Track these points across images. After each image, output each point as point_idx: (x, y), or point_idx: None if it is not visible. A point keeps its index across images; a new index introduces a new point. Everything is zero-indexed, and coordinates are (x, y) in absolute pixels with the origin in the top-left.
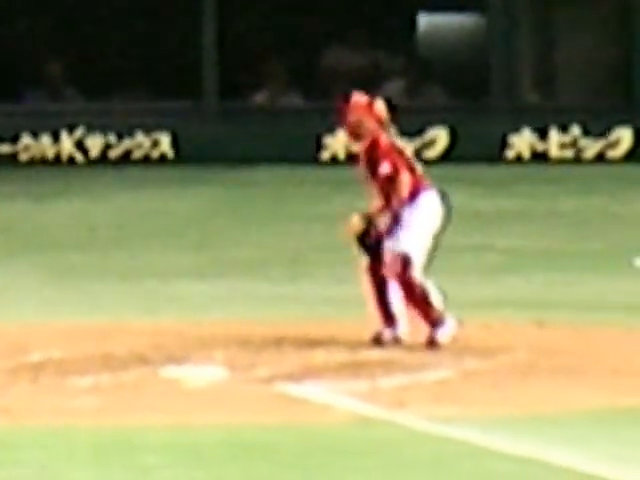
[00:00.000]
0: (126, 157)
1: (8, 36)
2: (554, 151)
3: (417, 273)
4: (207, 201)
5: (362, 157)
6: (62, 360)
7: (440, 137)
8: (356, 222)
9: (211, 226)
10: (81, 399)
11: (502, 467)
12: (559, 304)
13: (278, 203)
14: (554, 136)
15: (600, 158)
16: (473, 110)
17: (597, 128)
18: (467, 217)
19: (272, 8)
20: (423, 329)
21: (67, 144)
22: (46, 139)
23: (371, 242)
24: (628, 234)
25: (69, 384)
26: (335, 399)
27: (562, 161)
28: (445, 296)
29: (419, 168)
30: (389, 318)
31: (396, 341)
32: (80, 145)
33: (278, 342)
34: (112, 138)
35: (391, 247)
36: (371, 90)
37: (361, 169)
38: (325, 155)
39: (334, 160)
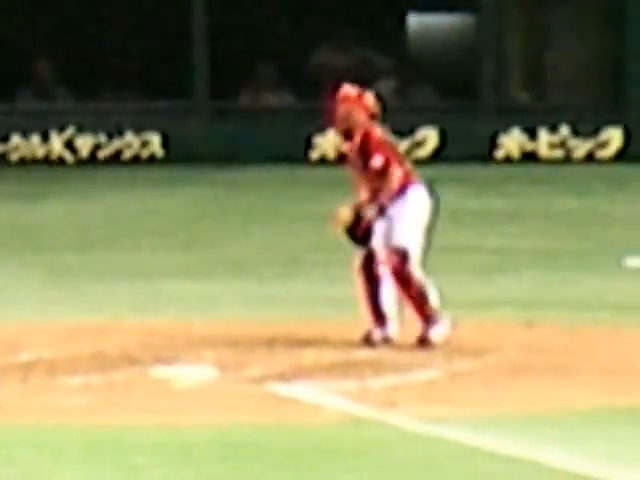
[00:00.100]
0: (116, 157)
1: None
2: (544, 151)
3: (415, 268)
4: (197, 201)
5: (354, 149)
6: (52, 359)
7: (430, 137)
8: (344, 214)
9: (201, 226)
10: (71, 398)
11: (493, 467)
12: (549, 304)
13: (268, 203)
14: (544, 136)
15: (590, 158)
16: (463, 110)
17: (587, 128)
18: (457, 217)
19: (263, 8)
20: (414, 329)
21: (57, 144)
22: (36, 139)
23: (360, 234)
24: (618, 234)
25: (59, 383)
26: (326, 399)
27: (552, 161)
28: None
29: (408, 163)
30: (380, 318)
31: (386, 341)
32: (70, 145)
33: (268, 342)
34: (102, 138)
35: (387, 243)
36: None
37: (352, 160)
38: (315, 155)
39: (324, 160)
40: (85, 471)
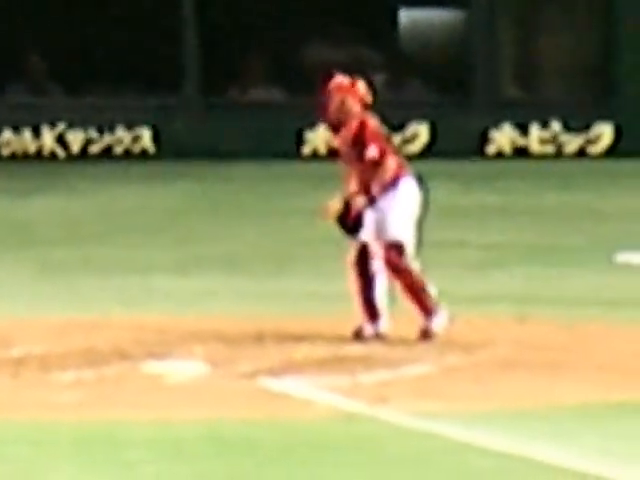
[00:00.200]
0: (107, 152)
1: None
2: (535, 146)
3: (412, 260)
4: (188, 196)
5: (348, 137)
6: (44, 355)
7: (421, 132)
8: (334, 204)
9: (193, 221)
10: (63, 394)
11: (485, 462)
12: (541, 299)
13: (260, 198)
14: (535, 131)
15: (581, 153)
16: (454, 105)
17: (578, 124)
18: (448, 212)
19: (254, 3)
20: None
21: (48, 139)
22: (27, 134)
23: (351, 223)
24: (609, 229)
25: (51, 379)
26: (317, 394)
27: (543, 156)
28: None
29: (400, 154)
30: (372, 313)
31: (377, 336)
32: (61, 140)
33: (259, 337)
34: (93, 133)
35: (380, 236)
36: None
37: (344, 151)
38: (306, 150)
39: (315, 155)
40: (77, 466)
